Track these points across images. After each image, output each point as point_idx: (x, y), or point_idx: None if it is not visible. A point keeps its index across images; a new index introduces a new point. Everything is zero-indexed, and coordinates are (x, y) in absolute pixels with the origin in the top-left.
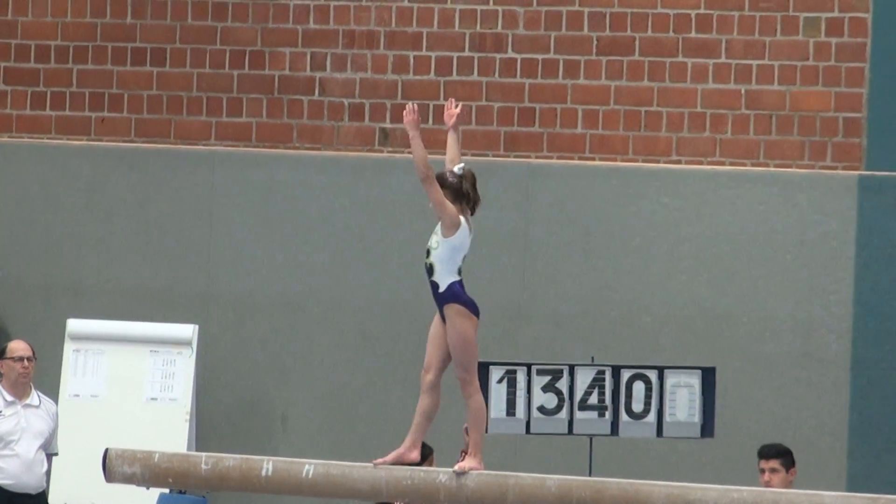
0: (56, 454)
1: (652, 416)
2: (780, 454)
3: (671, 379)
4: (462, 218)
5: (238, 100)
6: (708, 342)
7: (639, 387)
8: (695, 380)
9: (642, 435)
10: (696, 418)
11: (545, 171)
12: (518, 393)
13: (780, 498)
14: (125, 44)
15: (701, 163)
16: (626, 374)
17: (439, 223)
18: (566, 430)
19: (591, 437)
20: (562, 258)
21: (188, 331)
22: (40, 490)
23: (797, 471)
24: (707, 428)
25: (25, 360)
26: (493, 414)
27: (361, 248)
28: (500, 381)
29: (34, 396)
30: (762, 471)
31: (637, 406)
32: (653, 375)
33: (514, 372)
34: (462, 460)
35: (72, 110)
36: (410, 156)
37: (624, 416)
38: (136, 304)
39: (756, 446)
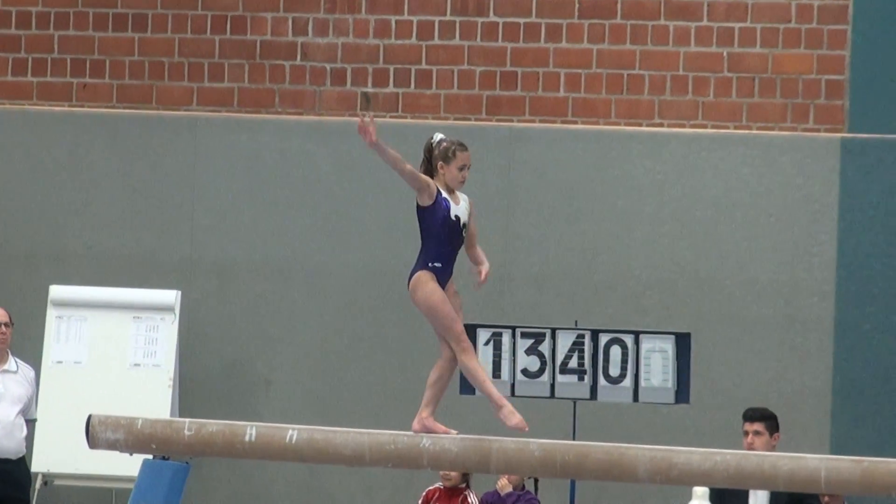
0: (35, 420)
1: (628, 381)
2: (764, 417)
3: (646, 344)
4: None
5: (220, 65)
6: (691, 305)
7: (615, 351)
8: (669, 345)
9: (619, 400)
10: (670, 384)
11: (527, 134)
12: (503, 355)
13: (763, 461)
14: (106, 10)
15: (683, 126)
16: (603, 339)
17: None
18: (548, 394)
19: (574, 400)
20: (544, 222)
21: (171, 297)
22: (20, 455)
23: (781, 436)
24: (681, 394)
25: (3, 327)
26: None
27: (344, 212)
28: (486, 343)
29: (11, 362)
30: (746, 433)
31: (614, 370)
32: (629, 340)
33: (500, 334)
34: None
35: (53, 76)
36: (393, 121)
37: (602, 381)
38: (118, 271)
39: (740, 410)
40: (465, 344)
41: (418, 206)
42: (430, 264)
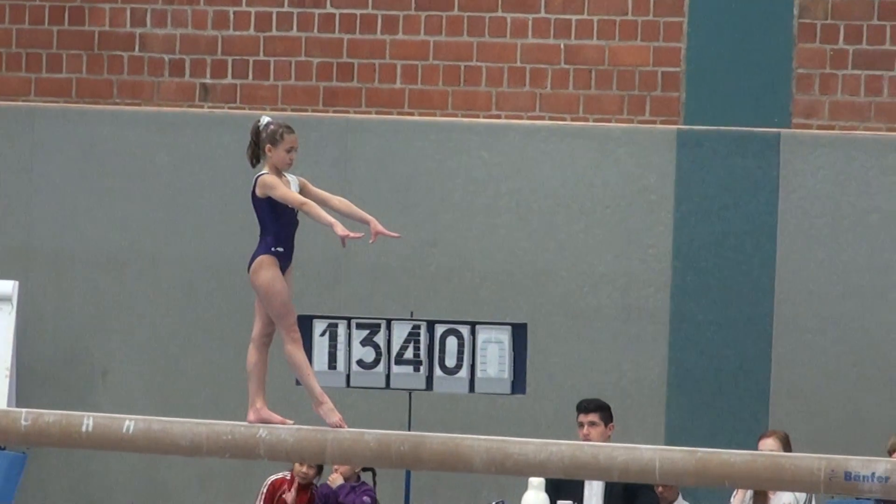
0: None
1: (464, 372)
2: (599, 408)
3: (482, 335)
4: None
5: (58, 56)
6: (527, 297)
7: (452, 342)
8: (505, 336)
9: (455, 390)
10: (507, 374)
11: (364, 126)
12: (339, 346)
13: (598, 451)
14: None
15: (521, 118)
16: (440, 329)
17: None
18: (384, 384)
19: (409, 391)
20: (381, 213)
21: (8, 287)
22: None
23: (615, 426)
24: (518, 384)
25: None
26: (315, 367)
27: (183, 203)
28: (322, 334)
29: None
30: (581, 424)
31: (450, 361)
32: (465, 331)
33: (336, 325)
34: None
35: None
36: (231, 112)
37: (438, 371)
38: None
39: (576, 400)
40: (296, 335)
41: (254, 194)
42: (272, 249)
